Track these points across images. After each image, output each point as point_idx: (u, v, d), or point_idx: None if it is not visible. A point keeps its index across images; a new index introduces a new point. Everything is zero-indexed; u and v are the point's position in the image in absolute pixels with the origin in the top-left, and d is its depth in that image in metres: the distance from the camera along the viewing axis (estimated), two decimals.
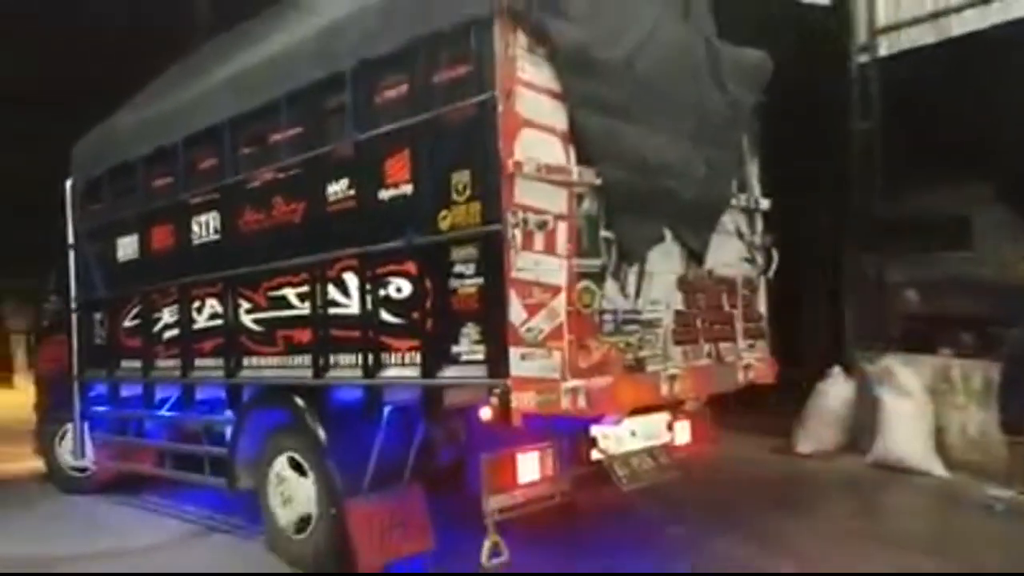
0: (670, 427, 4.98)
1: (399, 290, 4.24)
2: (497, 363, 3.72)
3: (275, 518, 5.11)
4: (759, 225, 5.34)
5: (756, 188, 5.35)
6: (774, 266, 5.31)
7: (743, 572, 4.68)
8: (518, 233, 3.73)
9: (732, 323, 5.12)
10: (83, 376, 7.28)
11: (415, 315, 4.16)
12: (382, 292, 4.32)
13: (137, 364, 6.47)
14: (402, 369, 4.24)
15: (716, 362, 4.95)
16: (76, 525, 6.48)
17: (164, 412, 6.38)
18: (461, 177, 3.91)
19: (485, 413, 3.75)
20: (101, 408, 7.23)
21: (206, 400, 5.98)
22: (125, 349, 6.67)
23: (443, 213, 3.99)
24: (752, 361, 5.21)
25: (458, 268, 3.93)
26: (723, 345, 5.02)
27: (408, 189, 4.19)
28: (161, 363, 6.22)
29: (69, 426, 7.51)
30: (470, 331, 3.88)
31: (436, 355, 4.05)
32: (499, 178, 3.75)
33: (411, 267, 4.17)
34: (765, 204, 5.36)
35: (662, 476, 4.78)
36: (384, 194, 4.31)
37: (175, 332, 6.00)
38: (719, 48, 5.15)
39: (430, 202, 4.06)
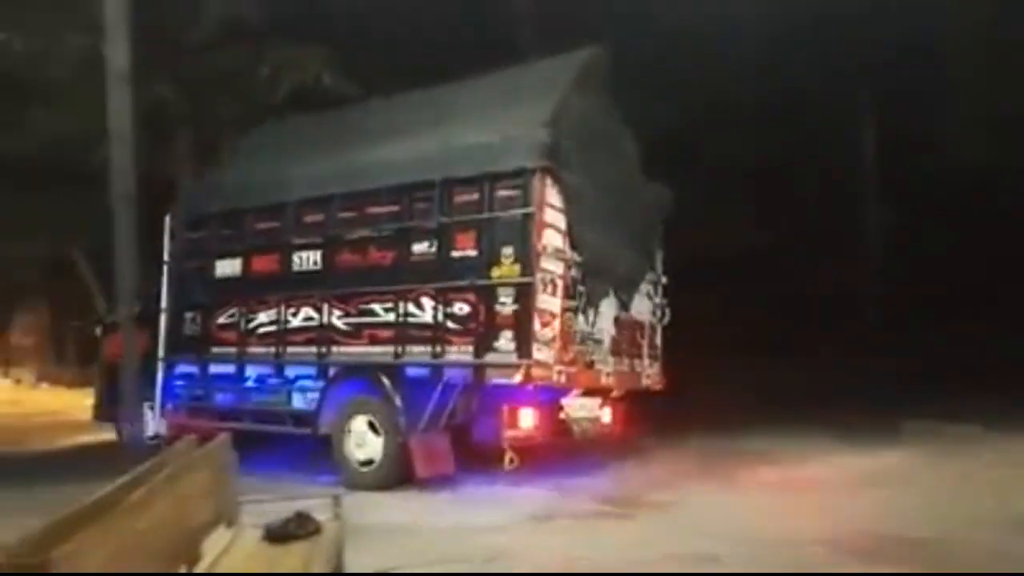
0: (601, 409, 8.31)
1: (461, 309, 7.41)
2: (525, 351, 6.95)
3: (350, 458, 8.00)
4: (659, 292, 8.87)
5: (660, 269, 8.89)
6: (667, 318, 8.82)
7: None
8: (540, 283, 7.03)
9: (640, 349, 8.57)
10: (168, 359, 9.89)
11: (471, 324, 7.33)
12: (449, 310, 7.47)
13: (230, 350, 9.23)
14: (459, 356, 7.38)
15: (630, 370, 8.38)
16: None
17: (251, 384, 9.15)
18: (508, 250, 7.18)
19: (516, 378, 6.96)
20: (181, 382, 9.83)
21: (294, 376, 8.83)
22: (217, 339, 9.41)
23: (495, 269, 7.23)
24: (650, 373, 8.67)
25: (502, 299, 7.16)
26: (635, 361, 8.46)
27: (473, 253, 7.41)
28: (254, 349, 9.04)
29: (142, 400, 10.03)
30: (507, 335, 7.09)
31: (483, 347, 7.23)
32: (532, 254, 7.05)
33: (471, 296, 7.36)
34: (664, 279, 8.90)
35: (596, 435, 8.10)
36: (456, 254, 7.50)
37: (271, 328, 8.86)
38: (643, 182, 8.71)
39: (486, 261, 7.29)
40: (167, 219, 10.12)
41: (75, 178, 11.99)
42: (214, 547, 3.32)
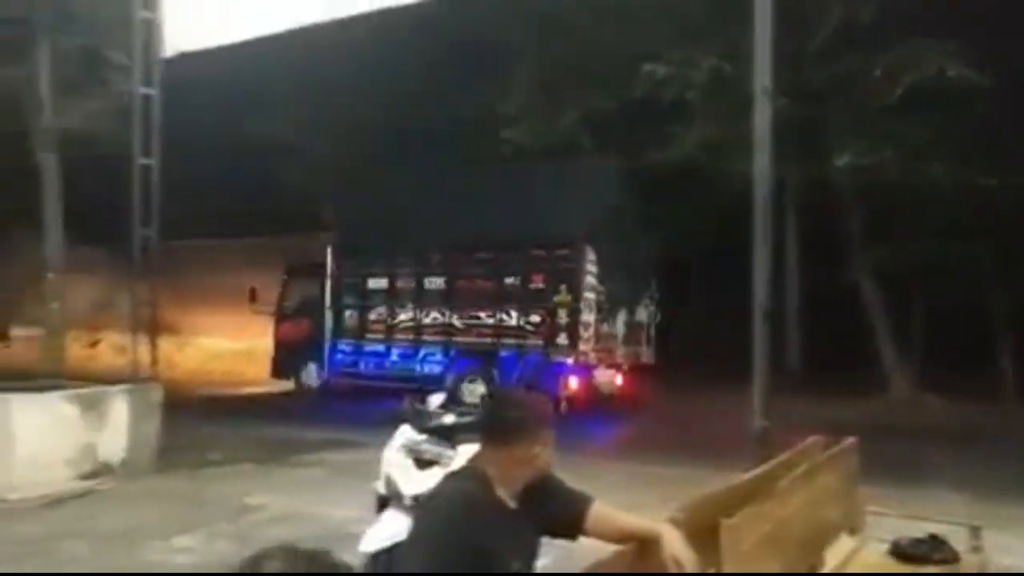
0: (615, 377, 13.77)
1: (536, 318, 12.83)
2: (574, 344, 12.42)
3: (464, 400, 13.48)
4: (654, 303, 14.30)
5: (654, 288, 14.31)
6: (657, 320, 14.27)
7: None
8: (583, 307, 12.45)
9: (640, 340, 14.03)
10: (333, 339, 15.32)
11: (542, 327, 12.75)
12: (527, 318, 12.88)
13: (379, 336, 14.69)
14: (534, 345, 12.82)
15: (634, 353, 13.84)
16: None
17: (394, 358, 14.61)
18: (565, 289, 12.59)
19: (570, 360, 12.43)
20: (341, 355, 15.28)
21: (424, 354, 14.26)
22: (369, 328, 14.84)
23: (557, 296, 12.63)
24: (646, 354, 14.16)
25: (560, 314, 12.57)
26: (637, 348, 13.93)
27: (543, 287, 12.80)
28: (397, 336, 14.47)
29: (310, 364, 15.52)
30: (563, 335, 12.53)
31: (550, 341, 12.67)
32: (580, 291, 12.44)
33: (543, 312, 12.77)
34: (657, 295, 14.32)
35: (612, 392, 13.58)
36: (531, 287, 12.88)
37: (410, 323, 14.28)
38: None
39: (552, 294, 12.67)
40: (329, 248, 15.41)
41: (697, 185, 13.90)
42: (836, 553, 3.22)
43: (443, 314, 13.89)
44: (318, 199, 14.32)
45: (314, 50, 11.09)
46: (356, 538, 3.79)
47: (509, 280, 13.13)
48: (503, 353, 13.21)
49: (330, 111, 13.06)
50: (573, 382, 12.56)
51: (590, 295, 12.66)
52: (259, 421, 11.78)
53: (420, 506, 2.84)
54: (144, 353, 8.72)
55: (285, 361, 16.10)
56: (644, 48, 12.40)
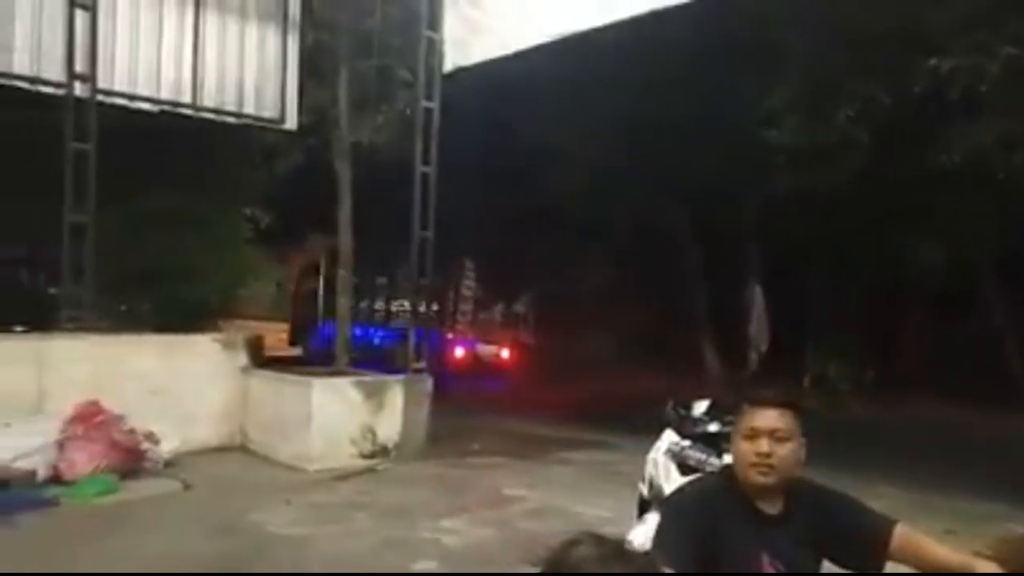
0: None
1: (437, 307, 12.14)
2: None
3: None
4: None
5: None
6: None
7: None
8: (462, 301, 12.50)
9: (518, 325, 14.77)
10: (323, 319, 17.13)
11: (442, 314, 12.09)
12: (434, 307, 12.22)
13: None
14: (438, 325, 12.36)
15: (511, 334, 14.41)
16: None
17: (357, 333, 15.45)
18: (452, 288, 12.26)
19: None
20: (326, 331, 16.45)
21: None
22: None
23: (449, 293, 11.85)
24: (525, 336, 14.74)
25: (449, 305, 11.76)
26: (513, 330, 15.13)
27: (443, 286, 12.29)
28: (360, 318, 16.03)
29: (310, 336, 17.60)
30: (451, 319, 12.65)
31: (445, 323, 11.97)
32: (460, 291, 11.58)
33: (442, 304, 12.07)
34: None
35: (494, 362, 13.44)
36: (436, 286, 12.19)
37: (366, 310, 14.79)
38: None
39: (446, 291, 11.91)
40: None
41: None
42: None
43: (385, 303, 17.60)
44: (584, 203, 14.71)
45: (581, 56, 11.37)
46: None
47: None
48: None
49: (595, 116, 13.32)
50: (459, 351, 16.28)
51: (467, 293, 16.50)
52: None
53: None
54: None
55: (297, 334, 19.00)
56: (926, 36, 10.96)
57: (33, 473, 6.52)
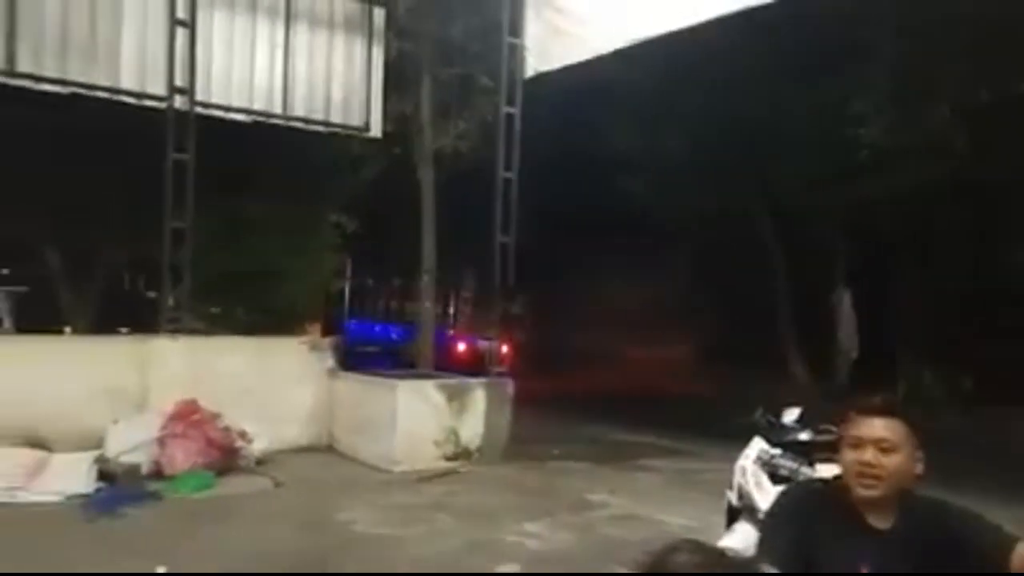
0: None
1: (441, 309, 11.73)
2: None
3: None
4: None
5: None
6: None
7: None
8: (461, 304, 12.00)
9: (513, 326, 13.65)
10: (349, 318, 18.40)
11: (446, 315, 11.72)
12: (440, 308, 11.82)
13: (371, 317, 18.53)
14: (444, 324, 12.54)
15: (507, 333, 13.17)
16: None
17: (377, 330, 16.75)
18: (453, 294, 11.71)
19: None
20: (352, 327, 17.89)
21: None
22: (366, 312, 18.50)
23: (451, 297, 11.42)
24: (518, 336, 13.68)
25: (451, 307, 11.34)
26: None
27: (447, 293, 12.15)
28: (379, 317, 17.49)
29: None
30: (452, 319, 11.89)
31: (448, 322, 11.50)
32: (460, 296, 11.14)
33: (446, 306, 11.85)
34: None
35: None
36: (441, 291, 11.78)
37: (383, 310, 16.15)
38: None
39: (448, 296, 11.48)
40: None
41: None
42: None
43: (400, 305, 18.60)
44: (663, 206, 14.50)
45: (663, 59, 11.28)
46: None
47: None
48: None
49: (676, 117, 13.18)
50: (460, 346, 16.29)
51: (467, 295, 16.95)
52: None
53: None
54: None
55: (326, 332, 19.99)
56: None
57: (137, 467, 6.87)
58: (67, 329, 9.96)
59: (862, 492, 2.03)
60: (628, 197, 14.47)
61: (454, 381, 8.60)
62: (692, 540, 1.46)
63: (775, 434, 3.89)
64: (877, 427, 2.03)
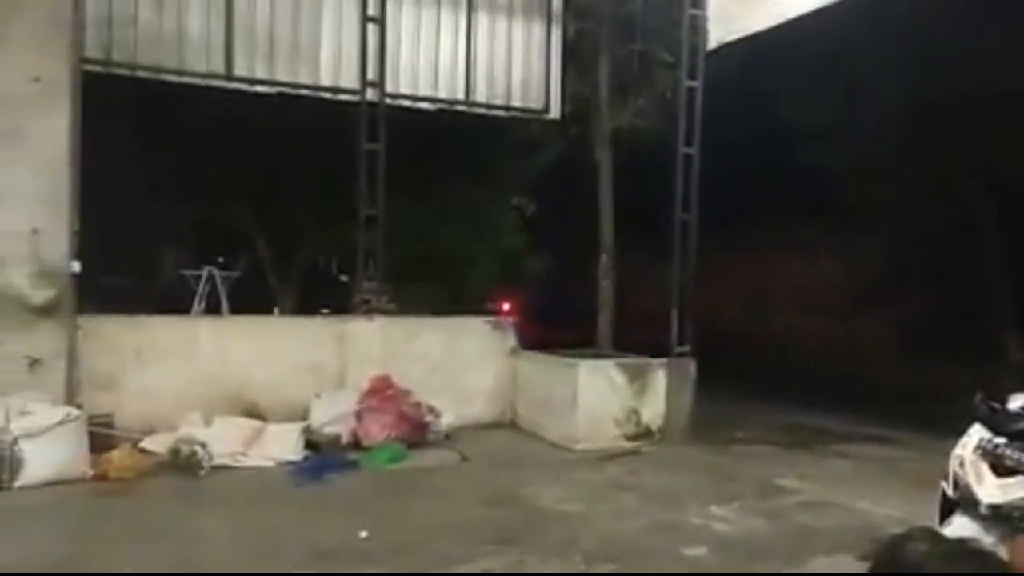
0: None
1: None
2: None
3: None
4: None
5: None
6: None
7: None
8: None
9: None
10: None
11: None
12: None
13: None
14: None
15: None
16: None
17: None
18: None
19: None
20: None
21: None
22: None
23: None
24: None
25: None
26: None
27: None
28: None
29: None
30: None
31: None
32: None
33: None
34: None
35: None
36: None
37: None
38: None
39: None
40: None
41: None
42: None
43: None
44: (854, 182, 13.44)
45: (855, 21, 10.42)
46: None
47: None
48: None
49: (870, 86, 12.19)
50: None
51: None
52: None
53: None
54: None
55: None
56: None
57: (338, 437, 7.42)
58: (275, 310, 10.86)
59: None
60: (817, 172, 13.62)
61: (635, 361, 8.54)
62: (926, 527, 1.37)
63: (999, 422, 3.55)
64: None
